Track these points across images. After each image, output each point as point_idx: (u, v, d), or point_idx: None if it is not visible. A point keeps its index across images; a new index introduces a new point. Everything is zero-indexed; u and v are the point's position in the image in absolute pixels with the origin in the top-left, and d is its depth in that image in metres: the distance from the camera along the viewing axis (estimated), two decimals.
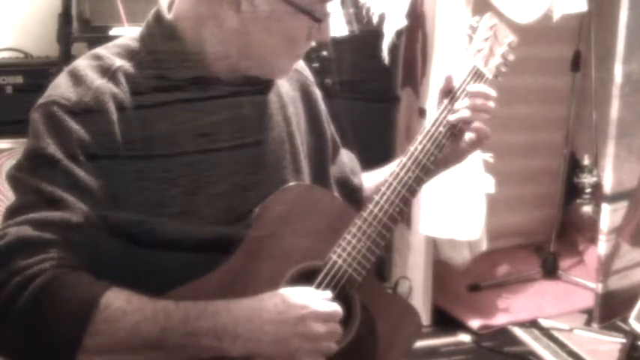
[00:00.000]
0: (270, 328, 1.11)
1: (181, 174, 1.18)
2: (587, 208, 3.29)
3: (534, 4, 2.74)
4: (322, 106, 1.42)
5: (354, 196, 1.44)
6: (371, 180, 1.47)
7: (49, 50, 2.69)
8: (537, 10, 2.75)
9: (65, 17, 2.56)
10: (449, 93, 1.37)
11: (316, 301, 1.15)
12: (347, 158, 1.49)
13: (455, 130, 1.34)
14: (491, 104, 1.36)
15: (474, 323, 2.96)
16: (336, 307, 1.16)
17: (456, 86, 1.36)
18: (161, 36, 1.21)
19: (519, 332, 2.96)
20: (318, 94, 1.42)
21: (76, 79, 1.16)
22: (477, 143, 1.38)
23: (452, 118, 1.33)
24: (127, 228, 1.13)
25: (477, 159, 2.81)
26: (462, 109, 1.34)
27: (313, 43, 1.26)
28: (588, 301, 3.08)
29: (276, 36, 1.19)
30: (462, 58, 1.40)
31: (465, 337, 2.93)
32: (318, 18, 1.19)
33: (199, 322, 1.08)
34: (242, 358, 1.11)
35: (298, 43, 1.23)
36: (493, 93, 1.36)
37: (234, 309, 1.11)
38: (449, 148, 1.34)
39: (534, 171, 3.52)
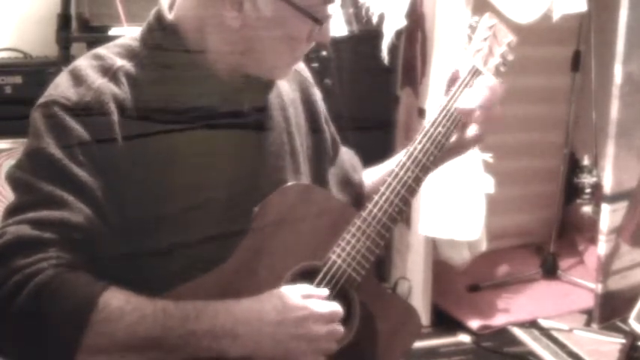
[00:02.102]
0: (270, 329, 1.11)
1: (181, 173, 1.18)
2: (587, 209, 3.29)
3: (534, 4, 2.74)
4: (322, 106, 1.42)
5: (355, 193, 1.44)
6: (372, 176, 1.47)
7: (48, 50, 2.68)
8: (537, 10, 2.75)
9: (64, 17, 2.56)
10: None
11: (316, 301, 1.15)
12: (347, 156, 1.49)
13: (457, 123, 1.33)
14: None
15: (474, 323, 2.96)
16: (337, 307, 1.16)
17: (456, 86, 1.36)
18: (162, 36, 1.21)
19: (519, 332, 2.96)
20: (318, 94, 1.42)
21: (77, 78, 1.16)
22: (479, 138, 1.35)
23: (458, 105, 1.32)
24: (127, 228, 1.13)
25: (477, 159, 2.81)
26: (468, 99, 1.32)
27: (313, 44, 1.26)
28: (588, 301, 3.08)
29: (277, 37, 1.19)
30: (462, 58, 1.40)
31: (464, 338, 2.93)
32: (320, 20, 1.19)
33: (199, 322, 1.08)
34: (241, 359, 1.11)
35: (299, 45, 1.23)
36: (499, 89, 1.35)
37: (234, 310, 1.11)
38: (451, 142, 1.34)
39: (534, 171, 3.52)
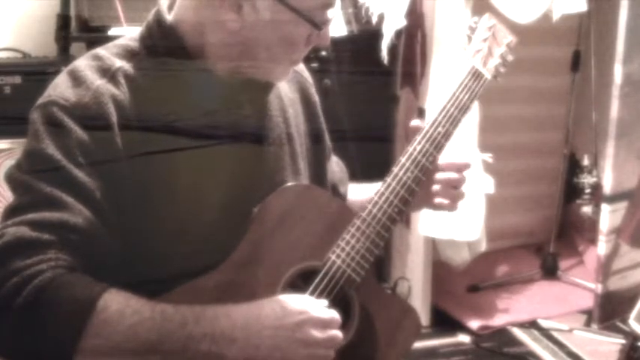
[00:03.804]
0: (269, 333, 1.10)
1: (181, 174, 1.18)
2: (586, 209, 3.29)
3: (534, 4, 2.74)
4: (319, 109, 1.42)
5: None
6: (356, 193, 1.47)
7: (48, 50, 2.68)
8: (537, 10, 2.75)
9: (64, 17, 2.56)
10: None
11: (314, 307, 1.15)
12: (338, 167, 1.49)
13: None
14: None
15: (474, 324, 2.96)
16: (335, 314, 1.16)
17: (456, 86, 1.36)
18: (161, 37, 1.21)
19: (519, 333, 2.96)
20: (316, 96, 1.42)
21: (76, 79, 1.16)
22: (447, 209, 1.40)
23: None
24: (126, 229, 1.13)
25: (477, 159, 2.81)
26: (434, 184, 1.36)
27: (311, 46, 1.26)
28: (588, 301, 3.08)
29: (275, 40, 1.19)
30: (461, 59, 1.40)
31: (464, 338, 2.93)
32: (319, 25, 1.19)
33: (198, 326, 1.08)
34: None
35: (297, 48, 1.23)
36: (468, 164, 1.38)
37: (233, 314, 1.11)
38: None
39: (534, 171, 3.52)
